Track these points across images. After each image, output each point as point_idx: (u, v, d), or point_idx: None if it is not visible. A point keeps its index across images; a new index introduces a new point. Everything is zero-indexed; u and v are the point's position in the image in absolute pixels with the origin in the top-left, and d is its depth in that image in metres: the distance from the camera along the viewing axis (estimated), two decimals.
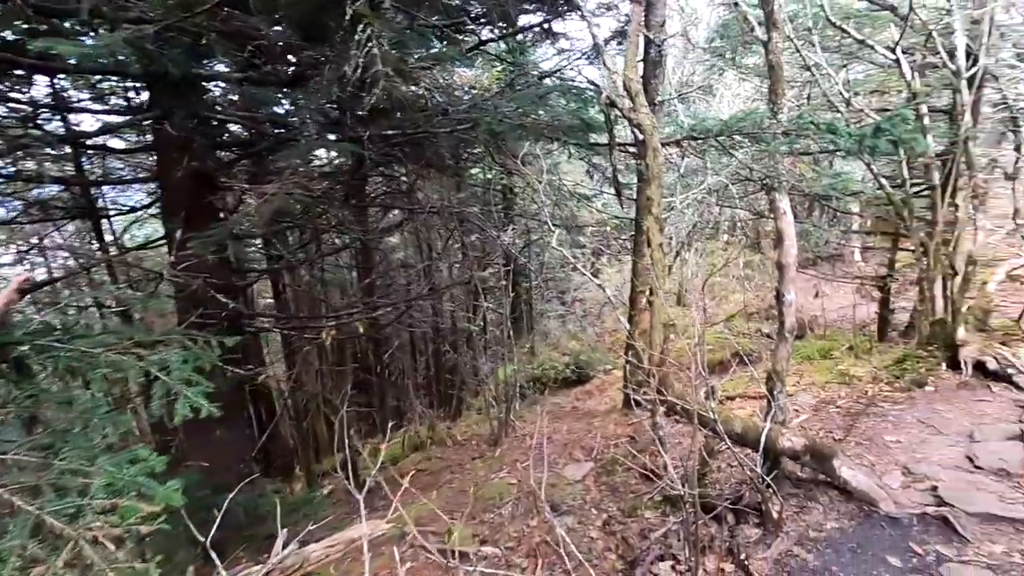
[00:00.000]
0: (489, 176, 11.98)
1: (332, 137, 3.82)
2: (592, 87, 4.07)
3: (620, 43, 7.26)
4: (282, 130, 3.71)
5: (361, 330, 5.78)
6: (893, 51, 5.48)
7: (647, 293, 4.36)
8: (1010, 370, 5.27)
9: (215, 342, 2.43)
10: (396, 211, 10.69)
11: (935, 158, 5.74)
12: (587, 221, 10.51)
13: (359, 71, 2.59)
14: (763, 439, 3.45)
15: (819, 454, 3.58)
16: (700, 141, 3.91)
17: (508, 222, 11.88)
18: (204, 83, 4.67)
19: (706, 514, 3.73)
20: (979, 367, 5.42)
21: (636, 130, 3.05)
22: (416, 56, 4.63)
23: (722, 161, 6.28)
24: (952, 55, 5.58)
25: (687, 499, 2.89)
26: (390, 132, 4.15)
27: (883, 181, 6.21)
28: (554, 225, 7.12)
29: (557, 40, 6.94)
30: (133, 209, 7.62)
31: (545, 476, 6.47)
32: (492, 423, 8.08)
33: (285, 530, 3.47)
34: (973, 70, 5.41)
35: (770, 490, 3.47)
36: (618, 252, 15.96)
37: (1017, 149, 7.04)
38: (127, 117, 4.70)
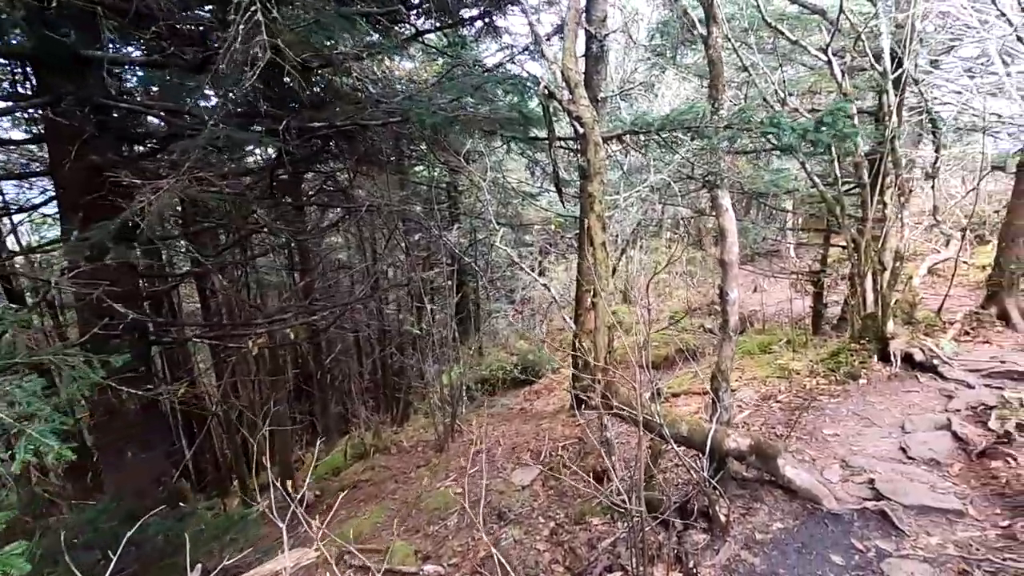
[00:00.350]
0: (434, 174, 11.67)
1: (246, 128, 3.47)
2: (530, 78, 3.90)
3: (563, 38, 7.15)
4: (188, 120, 3.33)
5: (293, 336, 5.38)
6: (825, 52, 5.61)
7: (592, 293, 4.25)
8: (935, 361, 5.50)
9: (97, 361, 2.08)
10: (336, 210, 10.24)
11: (864, 157, 5.93)
12: (533, 220, 10.38)
13: (239, 40, 2.28)
14: (709, 441, 3.37)
15: (764, 454, 3.55)
16: (642, 136, 3.81)
17: (453, 221, 11.61)
18: (108, 67, 4.19)
19: (654, 518, 3.64)
20: (907, 359, 5.63)
21: (576, 124, 2.90)
22: (346, 45, 4.33)
23: (665, 159, 6.28)
24: (878, 58, 5.77)
25: (634, 514, 2.76)
26: (317, 125, 3.83)
27: (816, 180, 6.37)
28: (498, 224, 6.91)
29: (500, 36, 6.75)
30: (36, 207, 6.88)
31: (492, 483, 6.30)
32: (438, 428, 7.81)
33: (200, 565, 3.12)
34: (898, 72, 5.61)
35: (717, 492, 3.40)
36: (565, 250, 16.00)
37: (936, 150, 7.42)
38: (10, 104, 4.14)
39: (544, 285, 5.56)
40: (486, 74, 4.00)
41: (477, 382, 11.25)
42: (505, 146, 5.07)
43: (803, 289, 10.20)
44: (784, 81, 6.14)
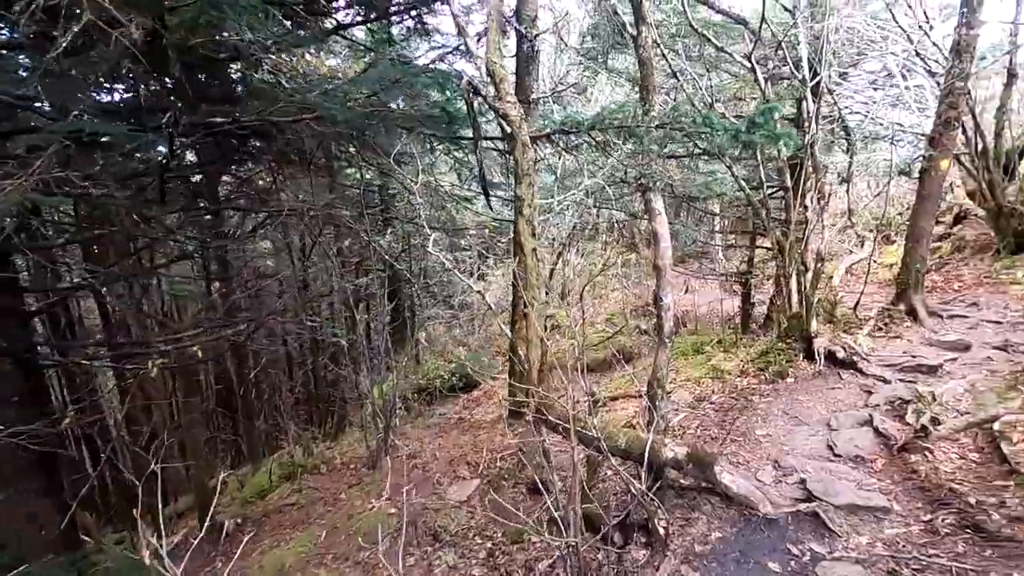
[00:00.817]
0: (366, 176, 11.19)
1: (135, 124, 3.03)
2: (453, 72, 3.68)
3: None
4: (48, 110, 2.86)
5: (201, 353, 4.87)
6: (748, 59, 5.75)
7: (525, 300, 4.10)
8: (855, 357, 5.73)
9: None
10: (259, 214, 9.58)
11: (786, 162, 6.13)
12: (467, 224, 10.15)
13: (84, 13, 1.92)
14: (647, 453, 3.27)
15: (701, 462, 3.49)
16: (572, 136, 3.68)
17: (386, 225, 11.18)
18: None
19: (593, 533, 3.49)
20: (830, 356, 5.84)
21: (503, 122, 2.72)
22: (256, 35, 3.94)
23: (597, 163, 6.23)
24: (798, 66, 5.98)
25: (571, 533, 2.59)
26: (218, 121, 3.43)
27: (743, 184, 6.52)
28: (431, 228, 6.63)
29: (430, 35, 6.48)
30: None
31: (427, 500, 5.99)
32: (369, 444, 7.41)
33: None
34: (815, 80, 5.84)
35: (656, 505, 3.30)
36: (503, 254, 15.85)
37: (849, 155, 7.82)
38: None
39: (478, 291, 5.35)
40: (404, 66, 3.72)
41: (414, 391, 10.88)
42: (430, 147, 4.81)
43: (732, 289, 10.54)
44: (711, 87, 6.25)
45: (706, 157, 8.95)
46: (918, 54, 8.50)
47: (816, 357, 5.81)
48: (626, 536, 3.48)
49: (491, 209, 5.10)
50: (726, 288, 11.43)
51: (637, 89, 7.09)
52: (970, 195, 10.12)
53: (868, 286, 8.19)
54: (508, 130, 2.71)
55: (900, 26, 8.41)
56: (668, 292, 3.66)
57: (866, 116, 9.41)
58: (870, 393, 5.29)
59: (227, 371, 11.87)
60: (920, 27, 8.57)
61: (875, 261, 9.88)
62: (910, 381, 5.40)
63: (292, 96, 3.52)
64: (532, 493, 5.21)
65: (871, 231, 9.06)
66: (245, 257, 11.54)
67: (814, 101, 5.69)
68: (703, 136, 3.23)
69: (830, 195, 6.98)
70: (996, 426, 3.88)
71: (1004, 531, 3.00)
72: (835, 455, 4.32)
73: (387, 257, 7.91)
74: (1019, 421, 3.86)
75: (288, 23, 4.74)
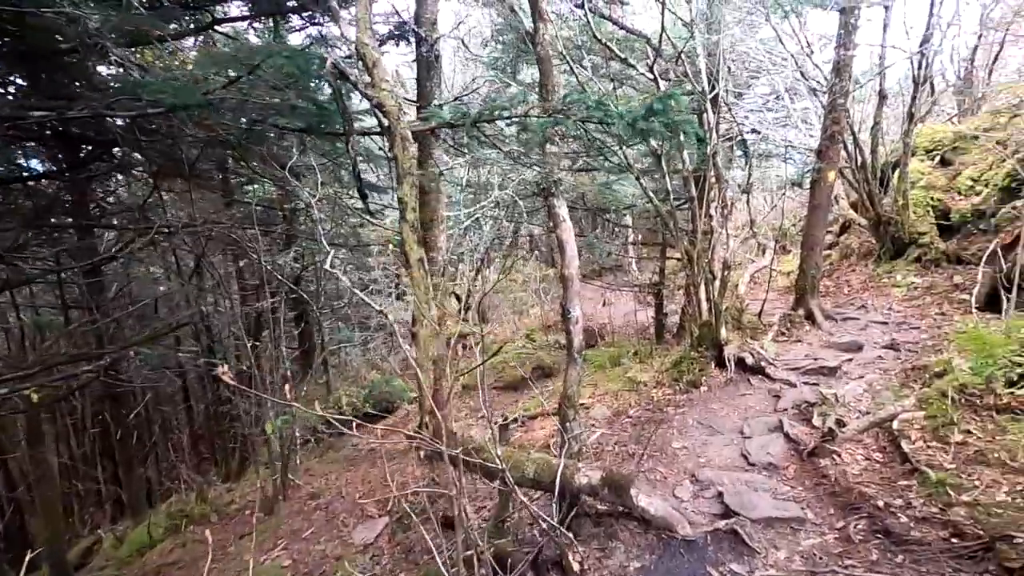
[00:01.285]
0: (267, 192, 10.37)
1: None
2: (315, 53, 3.27)
3: (397, 43, 6.63)
4: None
5: (35, 398, 4.04)
6: (651, 71, 5.78)
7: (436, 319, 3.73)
8: (763, 363, 5.82)
9: None
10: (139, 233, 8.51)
11: (691, 173, 6.21)
12: (372, 239, 9.61)
13: None
14: (558, 481, 2.97)
15: (617, 485, 3.25)
16: (461, 131, 3.40)
17: (288, 244, 10.38)
18: None
19: (505, 573, 3.13)
20: (740, 363, 5.89)
21: (379, 113, 2.36)
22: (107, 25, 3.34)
23: (509, 176, 6.01)
24: (697, 78, 6.11)
25: None
26: (37, 114, 2.80)
27: (651, 195, 6.55)
28: (331, 245, 6.10)
29: (326, 43, 6.03)
30: None
31: (328, 547, 5.37)
32: (265, 488, 6.64)
33: None
34: (714, 93, 5.98)
35: (569, 539, 3.00)
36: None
37: (747, 168, 8.14)
38: None
39: (380, 311, 4.88)
40: (259, 46, 3.28)
41: (323, 422, 10.07)
42: (302, 147, 4.34)
43: (646, 301, 10.68)
44: (616, 99, 6.24)
45: (615, 172, 9.10)
46: (803, 75, 9.10)
47: (727, 364, 5.84)
48: (540, 574, 3.15)
49: (370, 214, 4.65)
50: (641, 300, 11.59)
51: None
52: (853, 206, 10.96)
53: (770, 293, 8.54)
54: (385, 122, 2.36)
55: (787, 49, 8.98)
56: (576, 304, 3.43)
57: (759, 135, 9.98)
58: (778, 397, 5.36)
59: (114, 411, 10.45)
60: (803, 50, 9.20)
61: (775, 269, 10.42)
62: (813, 384, 5.54)
63: (137, 88, 2.96)
64: (446, 528, 4.78)
65: (771, 239, 9.49)
66: (124, 281, 10.29)
67: (714, 112, 5.82)
68: (599, 123, 3.05)
69: (733, 205, 7.19)
70: (895, 424, 3.96)
71: (913, 534, 2.96)
72: (750, 464, 4.25)
73: (281, 279, 7.22)
74: (915, 419, 3.95)
75: (152, 13, 4.14)
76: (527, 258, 19.43)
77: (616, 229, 11.34)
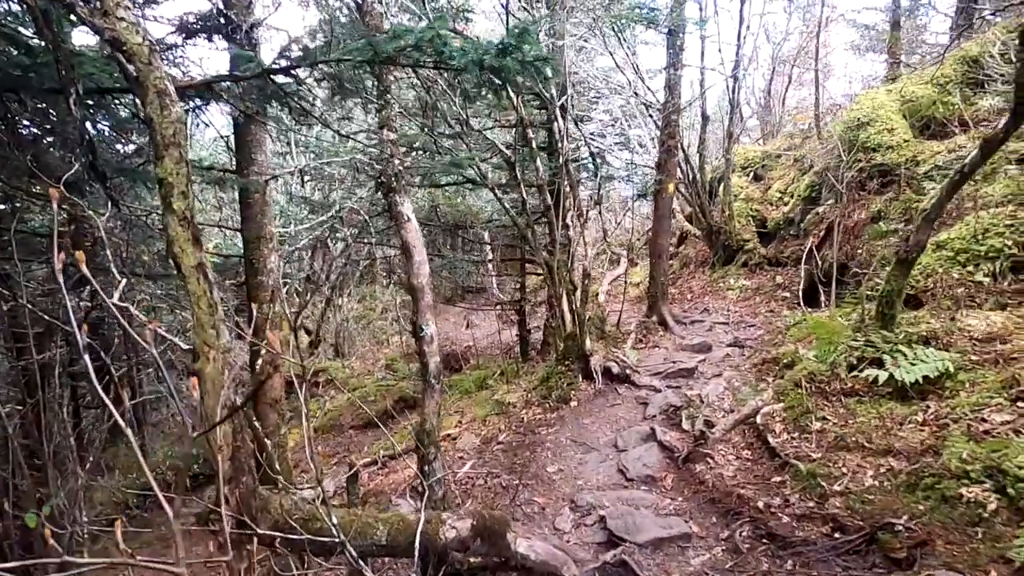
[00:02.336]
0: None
1: None
2: None
3: (209, 38, 5.59)
4: None
5: None
6: None
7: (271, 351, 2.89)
8: (628, 371, 5.73)
9: None
10: None
11: (545, 182, 6.04)
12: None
13: None
14: (418, 541, 2.34)
15: (490, 533, 2.70)
16: (253, 85, 2.66)
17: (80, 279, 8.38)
18: None
19: None
20: (607, 373, 5.75)
21: (121, 58, 1.62)
22: None
23: (353, 192, 5.30)
24: (545, 84, 5.99)
25: None
26: None
27: (507, 207, 6.26)
28: (120, 273, 4.81)
29: None
30: None
31: None
32: None
33: None
34: (562, 100, 5.90)
35: None
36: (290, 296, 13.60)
37: (597, 182, 8.30)
38: None
39: (184, 347, 3.83)
40: None
41: (139, 495, 8.17)
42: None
43: (510, 319, 10.44)
44: (464, 104, 5.88)
45: (470, 185, 8.78)
46: (637, 94, 9.65)
47: (594, 376, 5.66)
48: None
49: (116, 206, 3.63)
50: (504, 318, 11.35)
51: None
52: (688, 219, 11.91)
53: (624, 303, 8.76)
54: (132, 70, 1.62)
55: (624, 75, 9.47)
56: (429, 320, 2.88)
57: (603, 159, 10.46)
58: (646, 404, 5.26)
59: None
60: (637, 75, 9.78)
61: (627, 281, 10.87)
62: (676, 387, 5.56)
63: None
64: None
65: (623, 250, 9.81)
66: None
67: (563, 118, 5.73)
68: (438, 66, 2.57)
69: (588, 213, 7.20)
70: (759, 419, 3.96)
71: (797, 534, 2.82)
72: (628, 479, 3.98)
73: (55, 321, 5.64)
74: (775, 411, 3.99)
75: None
76: (385, 283, 18.41)
77: (475, 247, 11.00)
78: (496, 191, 6.07)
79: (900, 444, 3.01)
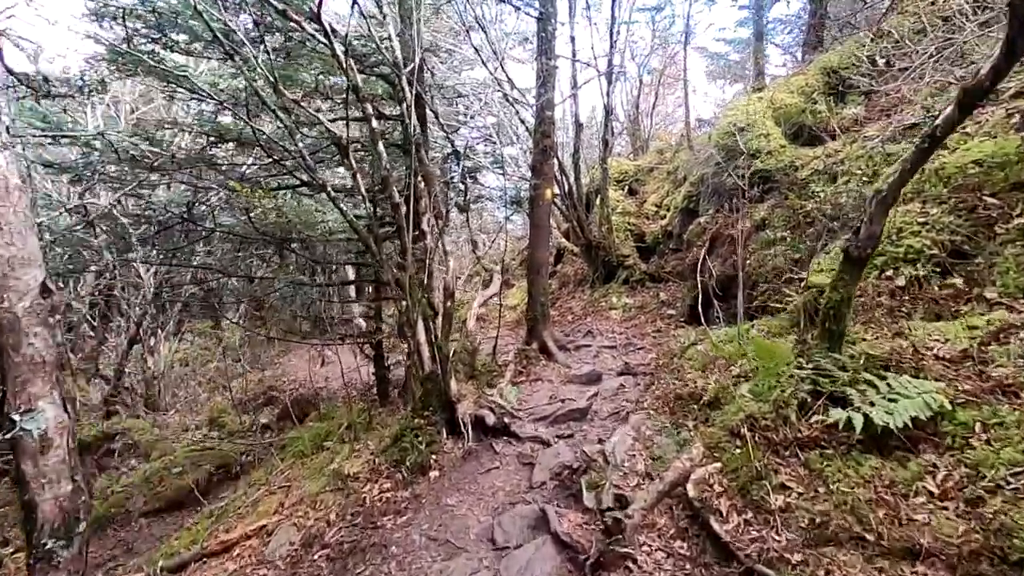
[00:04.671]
0: None
1: None
2: None
3: None
4: None
5: None
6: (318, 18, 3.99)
7: None
8: (507, 419, 4.37)
9: None
10: None
11: (390, 171, 4.54)
12: None
13: None
14: None
15: None
16: None
17: None
18: None
19: None
20: (480, 424, 4.33)
21: None
22: None
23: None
24: (396, 65, 4.55)
25: None
26: None
27: (344, 208, 4.66)
28: None
29: None
30: None
31: None
32: None
33: None
34: (410, 67, 4.49)
35: None
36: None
37: (464, 184, 6.99)
38: None
39: None
40: None
41: None
42: None
43: (364, 353, 8.67)
44: (270, 59, 4.24)
45: (309, 194, 7.02)
46: (505, 96, 8.61)
47: (463, 429, 4.21)
48: None
49: None
50: (365, 352, 9.51)
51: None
52: (565, 235, 11.08)
53: (500, 328, 7.48)
54: None
55: (486, 66, 8.37)
56: (46, 400, 1.22)
57: (475, 179, 9.30)
58: (532, 465, 3.91)
59: None
60: (513, 87, 8.75)
61: (502, 304, 9.66)
62: (568, 436, 4.29)
63: None
64: None
65: (496, 265, 8.56)
66: None
67: (411, 91, 4.33)
68: None
69: (448, 214, 5.82)
70: (690, 489, 2.77)
71: None
72: None
73: None
74: (711, 475, 2.83)
75: None
76: (235, 315, 15.40)
77: (324, 267, 9.05)
78: (328, 187, 4.46)
79: (926, 536, 1.93)
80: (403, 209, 4.39)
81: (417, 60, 4.46)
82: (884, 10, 7.76)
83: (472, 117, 9.76)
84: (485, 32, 8.21)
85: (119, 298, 10.50)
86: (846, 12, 8.88)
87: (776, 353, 3.02)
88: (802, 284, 5.10)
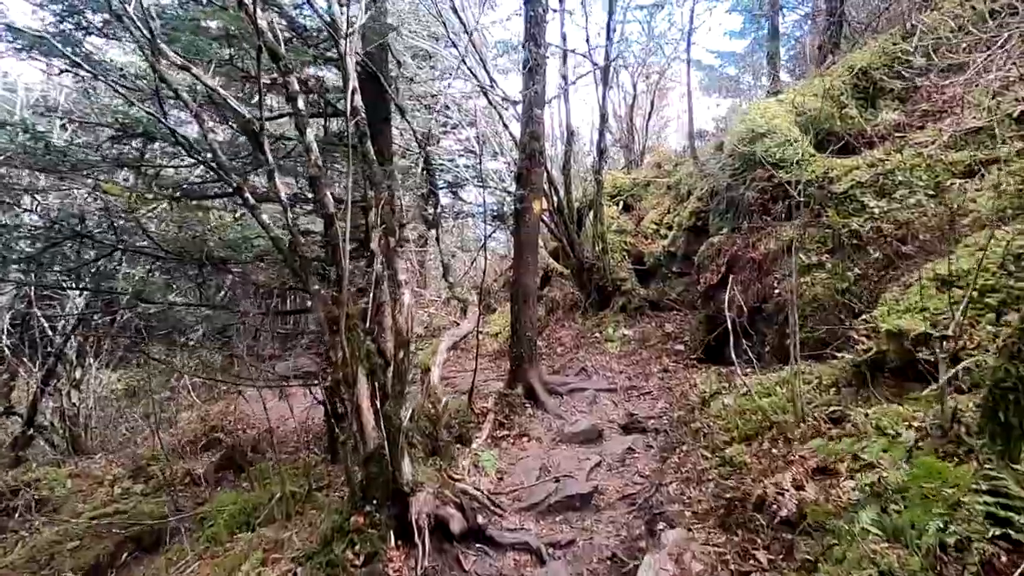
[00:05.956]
0: None
1: None
2: None
3: None
4: None
5: None
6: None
7: None
8: (480, 519, 3.10)
9: None
10: None
11: (321, 169, 3.32)
12: None
13: None
14: None
15: None
16: None
17: None
18: None
19: None
20: (441, 527, 3.05)
21: None
22: None
23: None
24: (333, 25, 3.36)
25: None
26: None
27: (265, 219, 3.41)
28: None
29: None
30: None
31: None
32: None
33: None
34: (351, 30, 3.31)
35: None
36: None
37: (435, 199, 5.78)
38: None
39: None
40: None
41: None
42: None
43: (312, 395, 7.29)
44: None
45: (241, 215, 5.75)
46: (489, 101, 7.46)
47: (417, 538, 2.93)
48: None
49: None
50: (315, 396, 8.12)
51: None
52: (553, 255, 9.91)
53: (477, 363, 6.21)
54: None
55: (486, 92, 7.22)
56: None
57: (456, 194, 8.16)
58: None
59: None
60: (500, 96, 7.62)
61: (481, 332, 8.42)
62: (568, 544, 3.05)
63: None
64: None
65: (472, 295, 7.35)
66: None
67: (348, 56, 3.15)
68: None
69: (403, 226, 4.61)
70: None
71: None
72: None
73: None
74: None
75: None
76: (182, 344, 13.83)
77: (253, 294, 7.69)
78: (244, 190, 3.23)
79: None
80: (338, 224, 3.15)
81: (374, 29, 3.27)
82: (914, 5, 6.84)
83: (455, 128, 8.63)
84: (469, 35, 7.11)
85: (36, 326, 9.01)
86: (864, 10, 8.01)
87: (946, 476, 1.82)
88: (862, 321, 3.97)
